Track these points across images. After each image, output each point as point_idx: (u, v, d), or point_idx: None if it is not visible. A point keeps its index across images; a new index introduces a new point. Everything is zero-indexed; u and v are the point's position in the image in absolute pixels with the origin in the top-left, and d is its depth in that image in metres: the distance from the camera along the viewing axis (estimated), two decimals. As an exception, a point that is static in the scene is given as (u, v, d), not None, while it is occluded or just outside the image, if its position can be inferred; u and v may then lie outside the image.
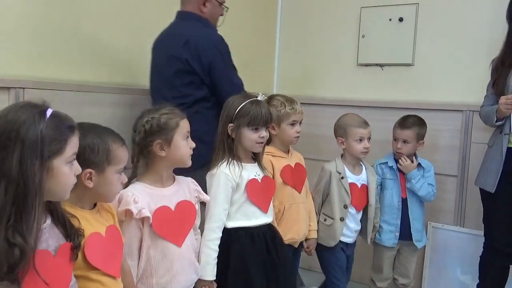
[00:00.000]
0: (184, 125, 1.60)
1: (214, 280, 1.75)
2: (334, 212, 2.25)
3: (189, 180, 1.71)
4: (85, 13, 2.17)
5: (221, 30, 2.18)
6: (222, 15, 2.31)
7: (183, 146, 1.59)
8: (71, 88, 2.03)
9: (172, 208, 1.59)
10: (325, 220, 2.29)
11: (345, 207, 2.27)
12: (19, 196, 0.98)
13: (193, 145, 1.63)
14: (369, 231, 2.37)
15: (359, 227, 2.36)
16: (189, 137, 1.63)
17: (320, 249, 2.29)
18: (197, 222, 1.72)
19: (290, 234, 2.05)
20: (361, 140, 2.26)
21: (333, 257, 2.30)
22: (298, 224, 2.11)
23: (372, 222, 2.37)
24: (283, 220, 2.04)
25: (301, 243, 2.21)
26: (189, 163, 1.63)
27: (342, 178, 2.26)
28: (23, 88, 1.84)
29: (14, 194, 0.97)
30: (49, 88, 1.93)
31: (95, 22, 2.22)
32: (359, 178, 2.34)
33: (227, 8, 2.31)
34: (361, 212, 2.35)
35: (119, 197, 1.46)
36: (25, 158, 0.98)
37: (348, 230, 2.31)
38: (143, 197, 1.52)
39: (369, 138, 2.28)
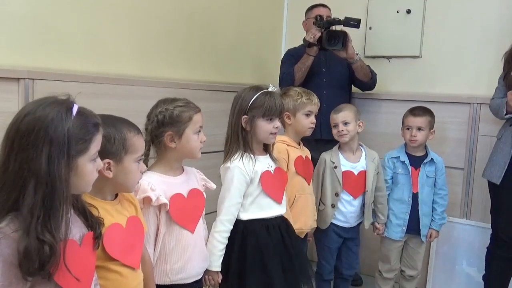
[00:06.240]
0: (198, 119, 1.60)
1: (224, 272, 1.76)
2: (326, 199, 2.33)
3: (195, 170, 1.73)
4: (95, 3, 2.17)
5: (229, 26, 2.17)
6: None
7: (193, 140, 1.59)
8: (81, 79, 2.02)
9: (185, 195, 1.61)
10: (319, 204, 2.36)
11: (336, 195, 2.33)
12: (47, 194, 0.99)
13: (204, 139, 1.64)
14: (366, 216, 2.39)
15: (357, 213, 2.38)
16: (201, 131, 1.63)
17: (315, 231, 2.35)
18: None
19: (298, 224, 2.07)
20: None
21: (324, 239, 2.37)
22: (305, 215, 2.15)
23: (370, 208, 2.39)
24: (292, 210, 2.07)
25: (306, 234, 2.23)
26: (198, 156, 1.64)
27: (335, 167, 2.31)
28: (33, 79, 1.83)
29: (43, 193, 0.99)
30: (59, 79, 1.92)
31: (104, 13, 2.22)
32: (356, 166, 2.36)
33: None
34: (361, 197, 2.37)
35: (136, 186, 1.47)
36: (53, 157, 0.99)
37: (341, 215, 2.35)
38: (159, 185, 1.53)
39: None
